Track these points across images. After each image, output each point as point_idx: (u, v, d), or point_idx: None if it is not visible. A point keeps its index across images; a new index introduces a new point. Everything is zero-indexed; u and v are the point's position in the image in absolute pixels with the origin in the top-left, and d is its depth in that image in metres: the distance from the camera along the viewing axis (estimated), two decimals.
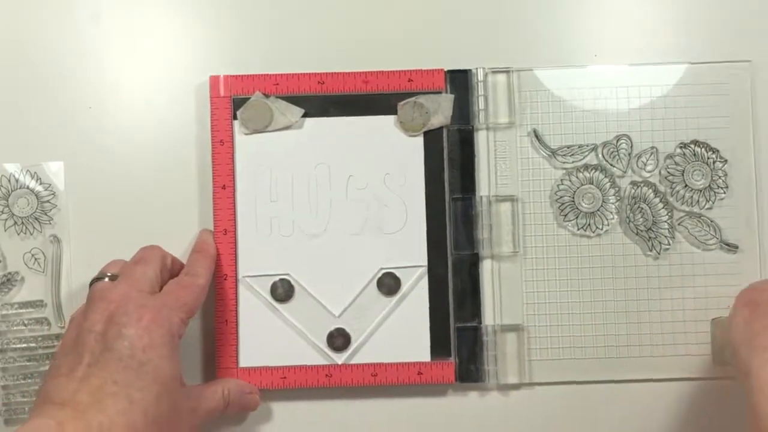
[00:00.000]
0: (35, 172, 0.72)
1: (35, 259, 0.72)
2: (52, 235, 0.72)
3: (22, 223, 0.72)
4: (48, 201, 0.72)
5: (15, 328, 0.71)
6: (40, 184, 0.72)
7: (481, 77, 0.71)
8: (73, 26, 0.74)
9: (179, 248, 0.71)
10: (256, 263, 0.72)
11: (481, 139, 0.72)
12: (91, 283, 0.66)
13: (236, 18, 0.74)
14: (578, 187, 0.72)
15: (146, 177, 0.73)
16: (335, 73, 0.71)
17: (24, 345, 0.71)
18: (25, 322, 0.72)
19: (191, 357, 0.72)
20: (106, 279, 0.65)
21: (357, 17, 0.74)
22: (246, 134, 0.71)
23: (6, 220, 0.72)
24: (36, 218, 0.72)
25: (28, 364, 0.71)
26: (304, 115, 0.72)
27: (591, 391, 0.72)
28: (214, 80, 0.71)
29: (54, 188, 0.72)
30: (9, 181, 0.72)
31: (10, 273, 0.72)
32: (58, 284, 0.72)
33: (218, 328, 0.71)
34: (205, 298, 0.67)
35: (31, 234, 0.72)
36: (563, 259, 0.72)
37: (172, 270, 0.68)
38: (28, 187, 0.72)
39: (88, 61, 0.74)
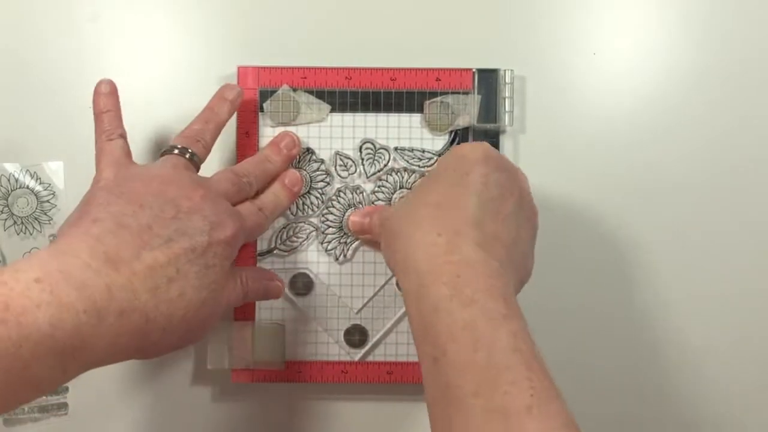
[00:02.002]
0: (35, 172, 0.72)
1: None
2: (52, 235, 0.72)
3: (22, 222, 0.72)
4: (47, 201, 0.72)
5: None
6: (40, 183, 0.72)
7: (508, 79, 0.71)
8: (73, 26, 0.74)
9: None
10: (275, 257, 0.71)
11: (506, 140, 0.72)
12: (163, 153, 0.66)
13: (262, 12, 0.74)
14: None
15: None
16: (363, 69, 0.72)
17: None
18: None
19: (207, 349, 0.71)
20: (177, 151, 0.65)
21: (386, 14, 0.74)
22: (271, 127, 0.71)
23: (6, 219, 0.72)
24: (36, 218, 0.72)
25: None
26: (330, 111, 0.71)
27: (603, 390, 0.72)
28: (243, 71, 0.71)
29: (54, 188, 0.72)
30: (9, 180, 0.72)
31: None
32: None
33: (236, 319, 0.71)
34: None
35: (31, 234, 0.72)
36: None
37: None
38: (27, 187, 0.72)
39: (87, 60, 0.74)
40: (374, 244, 0.70)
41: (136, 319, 0.54)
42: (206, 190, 0.62)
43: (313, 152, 0.71)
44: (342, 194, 0.71)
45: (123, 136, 0.65)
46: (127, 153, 0.65)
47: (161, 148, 0.70)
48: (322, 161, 0.71)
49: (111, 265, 0.54)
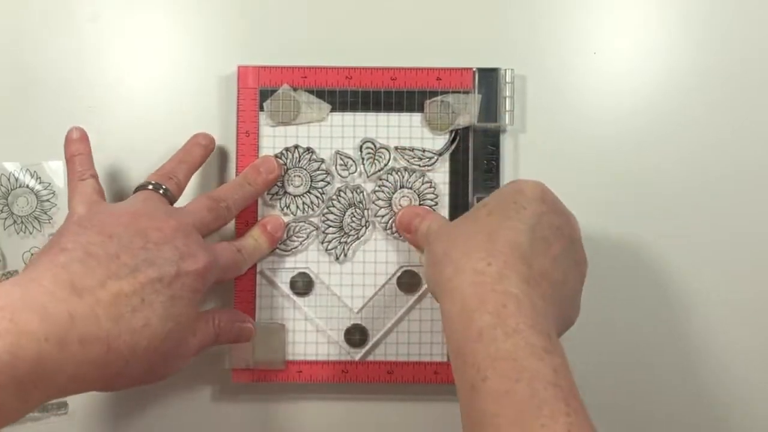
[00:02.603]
0: (35, 171, 0.72)
1: None
2: (52, 234, 0.72)
3: (22, 222, 0.72)
4: (47, 200, 0.72)
5: None
6: (40, 183, 0.72)
7: (509, 78, 0.71)
8: (73, 26, 0.74)
9: None
10: (276, 256, 0.71)
11: (507, 139, 0.72)
12: (137, 190, 0.66)
13: (262, 11, 0.74)
14: None
15: (147, 176, 0.72)
16: (363, 68, 0.71)
17: None
18: None
19: (210, 352, 0.71)
20: (150, 187, 0.65)
21: (386, 14, 0.74)
22: (271, 126, 0.71)
23: (5, 219, 0.72)
24: (35, 217, 0.72)
25: None
26: (331, 110, 0.71)
27: (605, 392, 0.72)
28: (243, 71, 0.71)
29: (53, 187, 0.72)
30: (8, 180, 0.72)
31: (9, 272, 0.71)
32: None
33: None
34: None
35: (31, 233, 0.72)
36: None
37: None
38: (27, 186, 0.72)
39: (88, 60, 0.73)
40: (412, 243, 0.70)
41: (98, 348, 0.53)
42: (178, 222, 0.62)
43: (313, 152, 0.71)
44: (342, 194, 0.71)
45: (94, 176, 0.66)
46: (99, 192, 0.65)
47: (161, 148, 0.70)
48: (323, 161, 0.71)
49: (75, 292, 0.54)
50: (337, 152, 0.71)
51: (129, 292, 0.56)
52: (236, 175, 0.71)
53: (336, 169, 0.72)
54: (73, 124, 0.71)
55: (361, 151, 0.71)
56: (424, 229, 0.66)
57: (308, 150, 0.71)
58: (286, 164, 0.71)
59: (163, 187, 0.65)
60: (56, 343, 0.51)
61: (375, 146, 0.71)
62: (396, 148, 0.71)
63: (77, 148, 0.67)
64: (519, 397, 0.49)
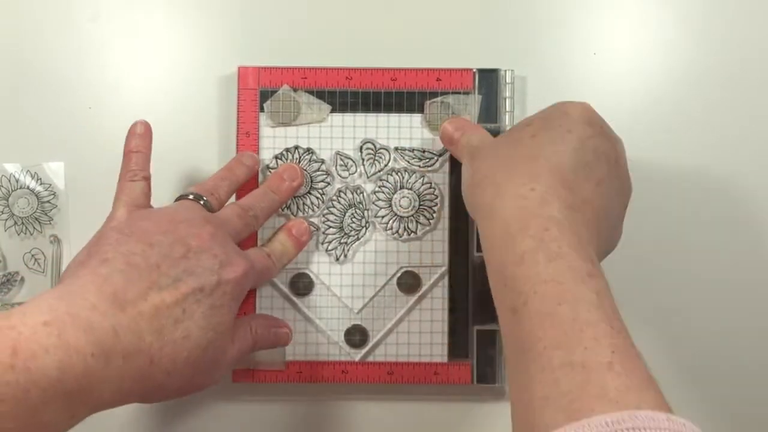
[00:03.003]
0: (35, 173, 0.72)
1: (35, 259, 0.72)
2: (53, 235, 0.72)
3: (23, 223, 0.72)
4: (48, 201, 0.72)
5: None
6: (41, 184, 0.72)
7: (509, 79, 0.71)
8: (73, 26, 0.74)
9: None
10: None
11: None
12: (178, 199, 0.66)
13: (263, 12, 0.74)
14: None
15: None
16: (363, 69, 0.71)
17: None
18: None
19: None
20: (191, 197, 0.65)
21: (386, 14, 0.74)
22: (272, 127, 0.71)
23: (6, 220, 0.72)
24: (36, 218, 0.72)
25: None
26: (331, 111, 0.71)
27: None
28: (243, 71, 0.71)
29: (54, 188, 0.72)
30: (9, 181, 0.72)
31: (10, 273, 0.71)
32: None
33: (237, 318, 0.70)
34: None
35: (31, 234, 0.72)
36: None
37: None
38: (28, 188, 0.72)
39: (88, 61, 0.73)
40: (454, 154, 0.70)
41: (141, 362, 0.53)
42: (215, 228, 0.61)
43: (313, 152, 0.71)
44: (342, 194, 0.71)
45: (147, 178, 0.65)
46: (147, 195, 0.65)
47: (161, 149, 0.70)
48: (323, 161, 0.71)
49: (117, 305, 0.54)
50: (337, 153, 0.71)
51: (171, 303, 0.56)
52: None
53: (336, 169, 0.72)
54: (73, 124, 0.71)
55: (361, 152, 0.71)
56: (464, 142, 0.66)
57: (308, 150, 0.71)
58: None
59: (204, 199, 0.65)
60: (102, 358, 0.51)
61: (375, 147, 0.71)
62: (396, 149, 0.71)
63: (137, 145, 0.66)
64: (561, 320, 0.49)
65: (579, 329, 0.48)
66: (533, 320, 0.50)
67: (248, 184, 0.70)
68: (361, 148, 0.71)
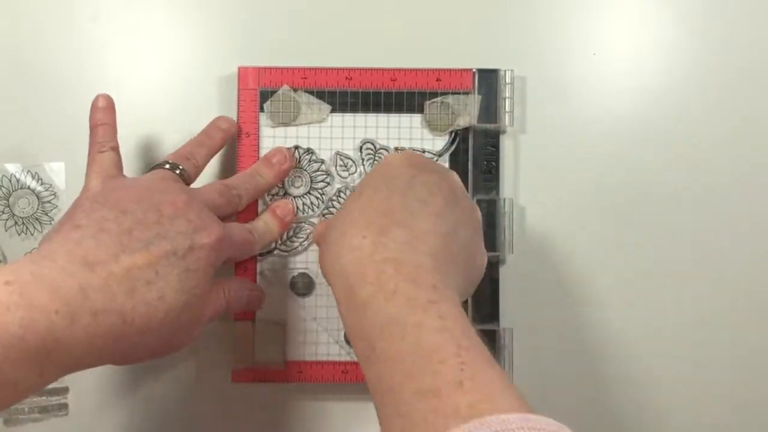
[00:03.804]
0: (36, 173, 0.72)
1: None
2: None
3: (23, 223, 0.72)
4: (49, 201, 0.72)
5: None
6: (41, 184, 0.72)
7: (509, 79, 0.71)
8: (74, 26, 0.74)
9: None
10: (276, 257, 0.72)
11: (506, 140, 0.72)
12: (153, 168, 0.66)
13: (263, 12, 0.74)
14: None
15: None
16: (363, 69, 0.71)
17: None
18: None
19: (209, 347, 0.71)
20: (168, 166, 0.66)
21: (386, 14, 0.74)
22: (272, 127, 0.71)
23: (7, 220, 0.72)
24: (37, 218, 0.72)
25: None
26: (331, 111, 0.72)
27: (608, 395, 0.72)
28: (243, 72, 0.71)
29: (55, 188, 0.72)
30: (10, 181, 0.72)
31: None
32: None
33: (236, 320, 0.71)
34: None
35: (32, 234, 0.72)
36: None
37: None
38: (28, 188, 0.72)
39: (88, 61, 0.73)
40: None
41: (112, 320, 0.54)
42: (191, 198, 0.62)
43: (313, 152, 0.71)
44: (342, 194, 0.71)
45: (115, 149, 0.65)
46: (117, 165, 0.65)
47: (160, 148, 0.70)
48: (323, 161, 0.71)
49: (87, 267, 0.54)
50: (337, 153, 0.72)
51: (142, 265, 0.56)
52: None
53: (336, 169, 0.72)
54: (73, 124, 0.71)
55: (361, 152, 0.71)
56: (315, 237, 0.68)
57: (308, 151, 0.71)
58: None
59: (180, 167, 0.65)
60: (68, 317, 0.51)
61: (375, 147, 0.71)
62: (396, 149, 0.71)
63: (100, 118, 0.66)
64: (408, 353, 0.49)
65: (426, 357, 0.48)
66: (385, 362, 0.50)
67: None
68: (360, 148, 0.72)
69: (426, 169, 0.60)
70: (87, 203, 0.60)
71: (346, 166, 0.71)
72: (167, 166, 0.65)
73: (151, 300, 0.56)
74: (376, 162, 0.72)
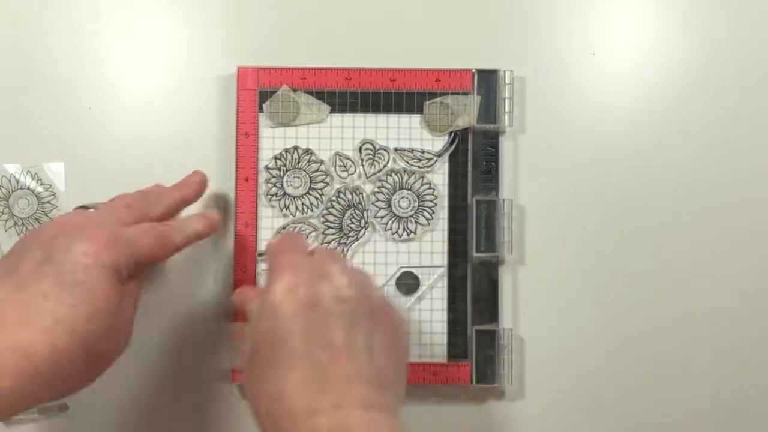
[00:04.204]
0: (36, 173, 0.72)
1: None
2: None
3: (23, 223, 0.72)
4: (48, 202, 0.72)
5: None
6: (41, 184, 0.72)
7: (508, 79, 0.71)
8: (74, 27, 0.74)
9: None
10: None
11: (506, 141, 0.72)
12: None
13: (262, 12, 0.74)
14: None
15: (149, 176, 0.71)
16: (362, 69, 0.71)
17: None
18: None
19: (209, 347, 0.71)
20: (90, 209, 0.64)
21: (386, 15, 0.74)
22: (271, 127, 0.71)
23: (6, 220, 0.72)
24: (36, 219, 0.72)
25: None
26: (330, 111, 0.71)
27: (608, 396, 0.71)
28: (243, 72, 0.71)
29: (54, 189, 0.72)
30: (9, 181, 0.72)
31: None
32: None
33: (236, 320, 0.71)
34: (170, 255, 0.64)
35: None
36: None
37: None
38: (28, 188, 0.72)
39: (88, 61, 0.73)
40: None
41: (11, 358, 0.53)
42: (76, 215, 0.61)
43: (312, 153, 0.71)
44: (342, 195, 0.71)
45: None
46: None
47: (161, 149, 0.70)
48: (322, 162, 0.71)
49: None
50: (337, 153, 0.71)
51: (31, 295, 0.55)
52: (236, 176, 0.71)
53: (335, 170, 0.72)
54: (73, 124, 0.71)
55: (360, 153, 0.71)
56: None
57: (307, 151, 0.71)
58: (285, 165, 0.71)
59: (93, 208, 0.64)
60: None
61: (374, 147, 0.71)
62: (395, 149, 0.71)
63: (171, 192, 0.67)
64: None
65: None
66: None
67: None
68: (360, 148, 0.71)
69: (318, 304, 0.56)
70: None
71: (345, 167, 0.71)
72: (79, 206, 0.64)
73: (48, 327, 0.54)
74: (375, 161, 0.71)
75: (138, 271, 0.60)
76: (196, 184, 0.69)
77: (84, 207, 0.64)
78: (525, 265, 0.72)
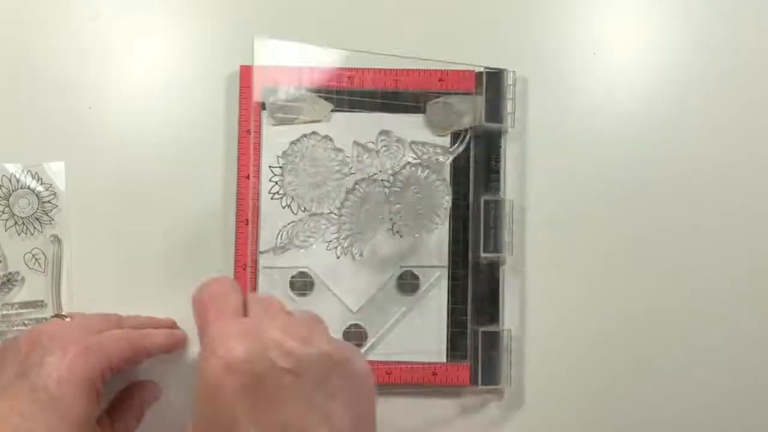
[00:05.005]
0: (36, 172, 0.72)
1: (36, 259, 0.72)
2: (53, 235, 0.72)
3: (23, 223, 0.72)
4: (49, 201, 0.72)
5: (15, 328, 0.71)
6: (41, 184, 0.72)
7: (511, 80, 0.71)
8: (74, 26, 0.74)
9: (180, 247, 0.72)
10: (275, 256, 0.71)
11: (508, 141, 0.72)
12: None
13: (265, 10, 0.74)
14: None
15: (148, 176, 0.72)
16: (366, 68, 0.72)
17: None
18: (26, 322, 0.71)
19: None
20: (66, 318, 0.65)
21: (388, 16, 0.74)
22: (273, 125, 0.71)
23: (7, 220, 0.72)
24: (37, 218, 0.72)
25: None
26: (333, 110, 0.72)
27: (608, 398, 0.71)
28: (245, 70, 0.71)
29: (55, 188, 0.72)
30: (10, 181, 0.72)
31: (10, 273, 0.71)
32: (59, 284, 0.71)
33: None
34: (142, 361, 0.65)
35: (32, 234, 0.72)
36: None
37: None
38: (28, 187, 0.72)
39: (88, 60, 0.73)
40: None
41: None
42: (51, 324, 0.61)
43: (332, 140, 0.71)
44: (359, 187, 0.71)
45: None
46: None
47: (162, 148, 0.70)
48: (322, 164, 0.71)
49: None
50: (355, 142, 0.71)
51: (6, 413, 0.55)
52: (238, 174, 0.71)
53: (354, 159, 0.72)
54: (73, 124, 0.71)
55: (376, 143, 0.71)
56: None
57: (326, 138, 0.71)
58: (297, 154, 0.71)
59: (66, 318, 0.65)
60: None
61: (389, 140, 0.71)
62: (411, 143, 0.71)
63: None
64: None
65: None
66: None
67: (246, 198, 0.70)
68: (376, 140, 0.72)
69: (262, 379, 0.48)
70: None
71: (362, 159, 0.71)
72: (55, 314, 0.65)
73: None
74: (392, 154, 0.72)
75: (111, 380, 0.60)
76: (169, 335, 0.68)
77: (61, 316, 0.65)
78: (526, 266, 0.72)
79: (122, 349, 0.61)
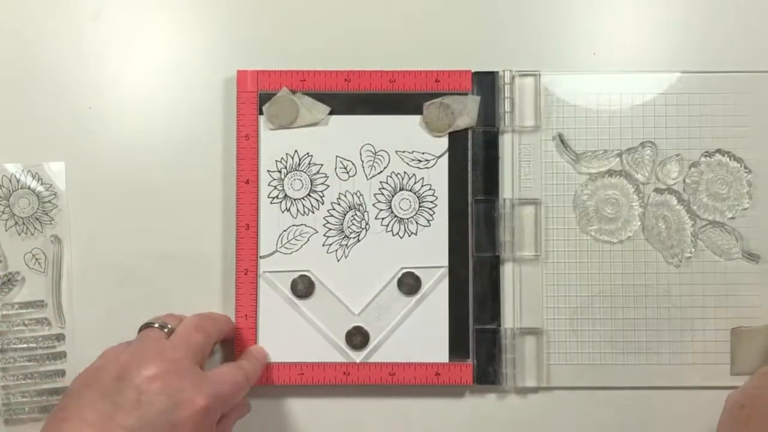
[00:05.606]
0: (36, 173, 0.72)
1: (36, 259, 0.72)
2: (53, 235, 0.72)
3: (23, 223, 0.72)
4: (49, 201, 0.72)
5: (15, 328, 0.71)
6: (41, 184, 0.72)
7: (507, 80, 0.71)
8: (74, 26, 0.74)
9: (182, 248, 0.72)
10: (277, 259, 0.71)
11: (505, 141, 0.72)
12: (142, 328, 0.65)
13: (262, 15, 0.74)
14: (602, 193, 0.72)
15: (148, 176, 0.72)
16: (362, 71, 0.71)
17: (24, 345, 0.71)
18: (26, 322, 0.71)
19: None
20: (156, 326, 0.64)
21: (385, 16, 0.74)
22: (271, 129, 0.71)
23: (7, 220, 0.72)
24: (37, 218, 0.72)
25: (28, 364, 0.71)
26: (330, 113, 0.71)
27: (609, 396, 0.72)
28: (242, 75, 0.71)
29: (55, 188, 0.72)
30: (10, 181, 0.72)
31: (10, 273, 0.72)
32: (59, 284, 0.72)
33: (238, 322, 0.71)
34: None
35: (32, 234, 0.72)
36: (584, 264, 0.72)
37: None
38: (29, 188, 0.72)
39: (88, 61, 0.73)
40: None
41: None
42: (170, 361, 0.60)
43: (312, 156, 0.71)
44: (342, 197, 0.71)
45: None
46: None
47: (160, 150, 0.70)
48: (322, 164, 0.71)
49: None
50: (337, 156, 0.71)
51: None
52: (237, 177, 0.71)
53: (336, 172, 0.71)
54: (73, 124, 0.71)
55: (360, 155, 0.71)
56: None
57: (308, 154, 0.71)
58: (285, 168, 0.71)
59: (169, 326, 0.64)
60: None
61: (374, 149, 0.71)
62: (396, 152, 0.71)
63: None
64: None
65: None
66: None
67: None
68: (360, 150, 0.71)
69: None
70: (77, 387, 0.59)
71: (345, 169, 0.71)
72: (156, 325, 0.64)
73: None
74: (375, 163, 0.71)
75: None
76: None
77: (150, 325, 0.64)
78: (525, 264, 0.72)
79: (234, 395, 0.64)
